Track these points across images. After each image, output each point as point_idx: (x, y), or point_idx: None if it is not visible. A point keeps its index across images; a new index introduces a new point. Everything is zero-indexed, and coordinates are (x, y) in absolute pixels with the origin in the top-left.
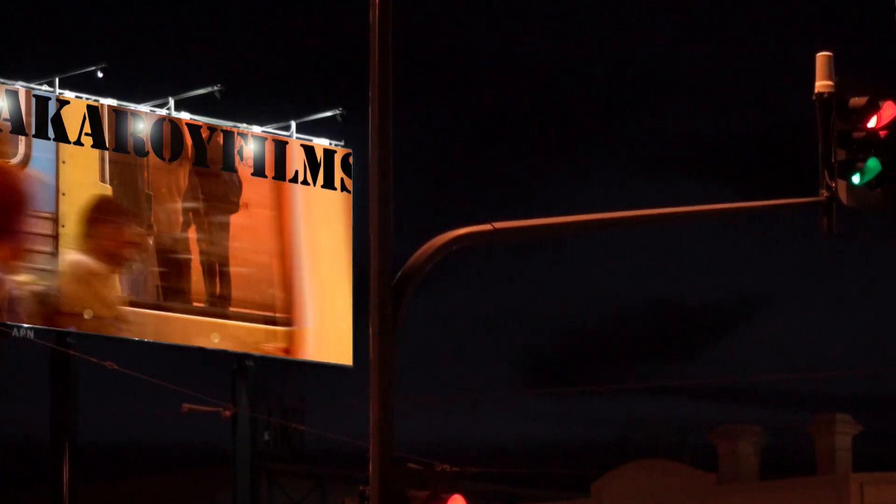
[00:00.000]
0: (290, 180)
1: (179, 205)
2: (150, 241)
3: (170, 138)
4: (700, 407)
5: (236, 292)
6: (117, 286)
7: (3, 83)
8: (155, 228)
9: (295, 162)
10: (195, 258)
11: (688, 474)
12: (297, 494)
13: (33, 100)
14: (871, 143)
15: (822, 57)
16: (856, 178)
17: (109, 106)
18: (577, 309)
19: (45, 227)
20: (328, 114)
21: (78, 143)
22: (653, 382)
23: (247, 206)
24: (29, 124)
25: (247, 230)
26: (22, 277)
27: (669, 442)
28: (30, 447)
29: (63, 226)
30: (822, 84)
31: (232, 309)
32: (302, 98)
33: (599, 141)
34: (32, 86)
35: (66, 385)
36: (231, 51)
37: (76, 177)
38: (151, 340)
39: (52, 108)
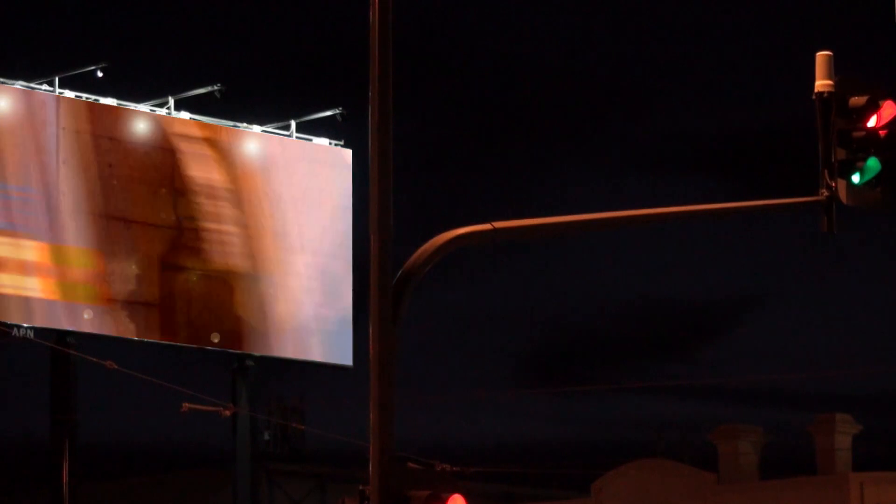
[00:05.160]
0: (290, 180)
1: (180, 204)
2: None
3: (169, 138)
4: (700, 407)
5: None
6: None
7: (3, 83)
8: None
9: (295, 161)
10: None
11: (688, 474)
12: (297, 494)
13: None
14: (871, 142)
15: (822, 57)
16: (856, 178)
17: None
18: (577, 308)
19: None
20: (328, 113)
21: None
22: (653, 382)
23: (247, 206)
24: None
25: (246, 227)
26: None
27: (669, 442)
28: (30, 447)
29: None
30: (822, 84)
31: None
32: (302, 98)
33: (598, 140)
34: (32, 85)
35: (66, 385)
36: (231, 51)
37: None
38: (151, 340)
39: None
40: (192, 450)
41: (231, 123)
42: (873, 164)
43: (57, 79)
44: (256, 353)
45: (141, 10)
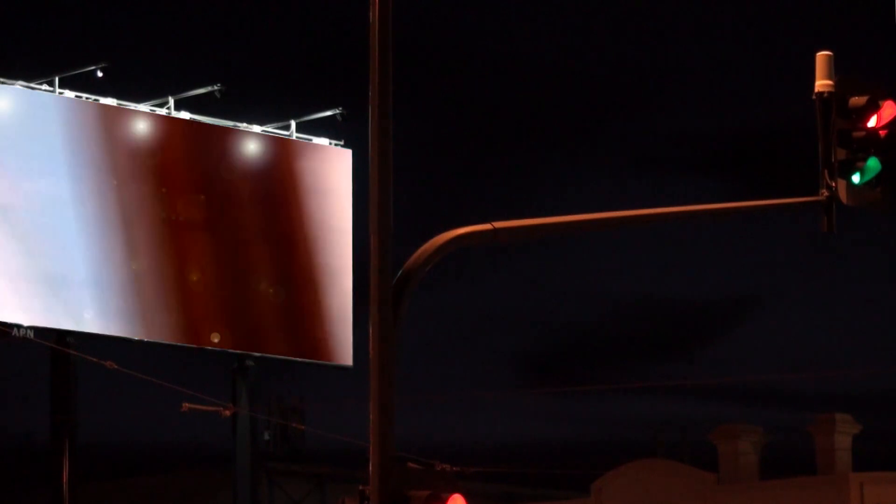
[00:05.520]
0: (289, 180)
1: (180, 204)
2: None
3: (170, 138)
4: (700, 407)
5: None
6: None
7: (3, 83)
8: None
9: (294, 161)
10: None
11: (688, 474)
12: (297, 494)
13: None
14: (871, 142)
15: (822, 57)
16: (856, 178)
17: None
18: (576, 308)
19: None
20: (328, 113)
21: None
22: (653, 382)
23: (247, 205)
24: None
25: (246, 227)
26: None
27: (669, 442)
28: (30, 447)
29: None
30: (822, 84)
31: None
32: (302, 98)
33: (598, 140)
34: (32, 85)
35: (66, 385)
36: (231, 51)
37: None
38: (151, 340)
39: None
40: (192, 450)
41: (231, 123)
42: (873, 164)
43: (57, 79)
44: (256, 353)
45: (141, 10)
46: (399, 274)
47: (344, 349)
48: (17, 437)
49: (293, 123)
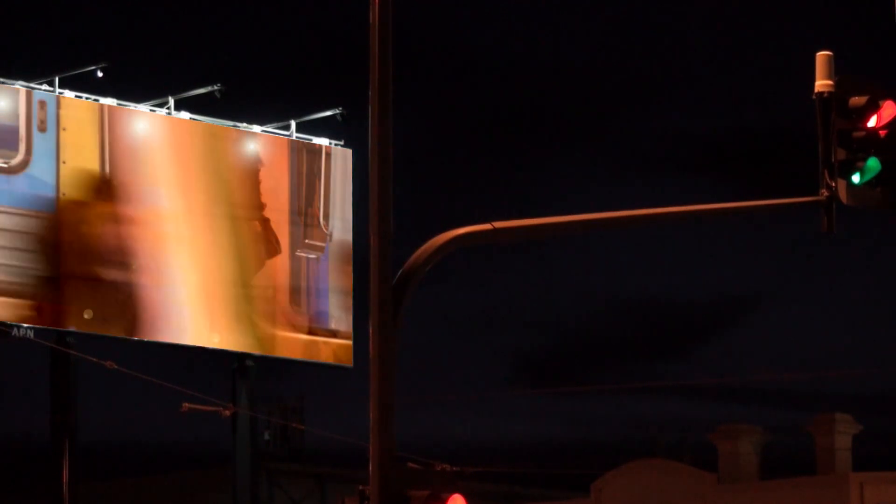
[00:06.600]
0: (289, 180)
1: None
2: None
3: (169, 138)
4: (700, 407)
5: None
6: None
7: (3, 83)
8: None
9: (295, 161)
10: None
11: (688, 474)
12: (297, 494)
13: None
14: (871, 142)
15: (822, 56)
16: (856, 178)
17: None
18: (577, 308)
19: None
20: (328, 113)
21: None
22: (653, 382)
23: (247, 206)
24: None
25: (246, 228)
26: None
27: (669, 442)
28: (30, 447)
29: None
30: (822, 83)
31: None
32: (302, 98)
33: (598, 140)
34: (32, 85)
35: (66, 385)
36: (231, 51)
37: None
38: (151, 340)
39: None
40: (192, 450)
41: (231, 123)
42: (873, 164)
43: (57, 79)
44: (256, 353)
45: (141, 10)
46: (399, 274)
47: (344, 349)
48: (17, 437)
49: (293, 123)
